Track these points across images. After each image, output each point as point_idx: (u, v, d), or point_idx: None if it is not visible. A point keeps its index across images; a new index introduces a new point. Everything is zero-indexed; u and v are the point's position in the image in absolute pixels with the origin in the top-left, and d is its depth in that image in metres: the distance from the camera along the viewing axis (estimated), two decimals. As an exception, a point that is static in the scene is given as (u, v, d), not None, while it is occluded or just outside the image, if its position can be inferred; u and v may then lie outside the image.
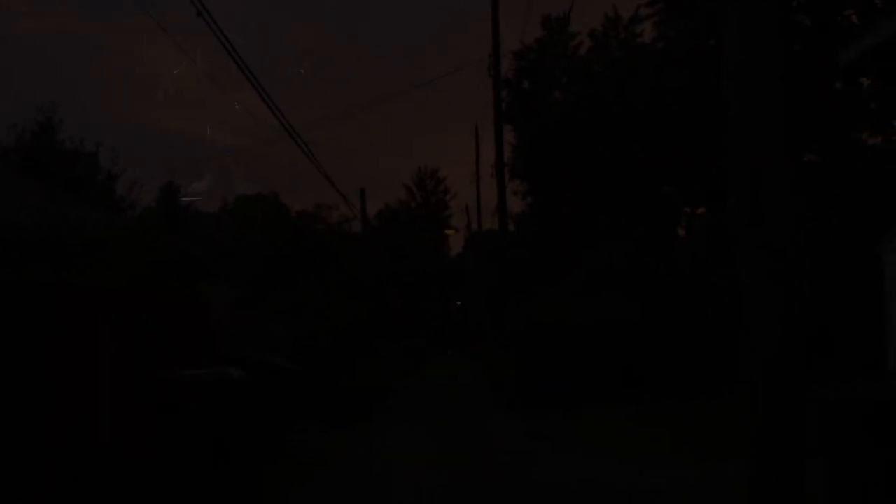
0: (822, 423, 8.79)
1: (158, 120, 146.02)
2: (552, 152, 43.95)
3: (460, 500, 12.89)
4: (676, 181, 41.54)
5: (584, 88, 44.18)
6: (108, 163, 33.46)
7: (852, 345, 24.74)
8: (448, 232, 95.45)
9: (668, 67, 32.99)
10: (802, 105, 28.67)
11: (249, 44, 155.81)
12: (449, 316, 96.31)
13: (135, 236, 15.37)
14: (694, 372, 25.53)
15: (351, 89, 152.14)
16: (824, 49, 27.47)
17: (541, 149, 45.13)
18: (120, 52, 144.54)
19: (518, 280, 38.99)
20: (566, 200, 44.55)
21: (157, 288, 14.79)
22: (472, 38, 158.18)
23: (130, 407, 13.16)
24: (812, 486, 8.00)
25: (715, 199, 38.77)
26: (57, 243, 13.61)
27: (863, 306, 24.69)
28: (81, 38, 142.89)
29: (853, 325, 25.27)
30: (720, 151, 36.62)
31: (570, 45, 53.47)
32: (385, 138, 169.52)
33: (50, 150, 31.66)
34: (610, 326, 26.43)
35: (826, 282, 25.84)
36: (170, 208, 43.27)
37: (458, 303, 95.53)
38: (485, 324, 58.28)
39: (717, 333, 26.11)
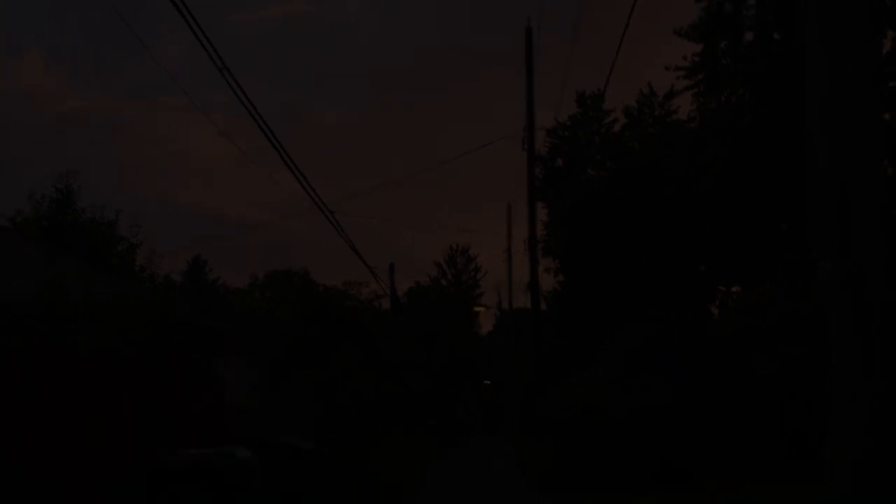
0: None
1: (190, 197, 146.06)
2: (585, 229, 42.90)
3: None
4: (711, 259, 40.39)
5: (618, 165, 43.13)
6: (129, 233, 32.52)
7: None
8: (478, 309, 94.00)
9: (704, 143, 31.80)
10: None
11: (276, 124, 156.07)
12: (479, 397, 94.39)
13: (137, 304, 14.02)
14: (728, 458, 24.18)
15: (380, 167, 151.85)
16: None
17: (573, 226, 44.07)
18: (149, 130, 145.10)
19: (550, 361, 37.57)
20: (599, 278, 43.31)
21: (157, 359, 13.43)
22: (504, 117, 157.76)
23: (110, 486, 11.81)
24: None
25: (752, 276, 37.56)
26: (47, 310, 12.40)
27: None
28: (113, 116, 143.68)
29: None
30: (758, 227, 35.78)
31: (604, 122, 52.60)
32: (414, 216, 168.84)
33: (68, 220, 30.71)
34: (644, 412, 25.05)
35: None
36: (196, 282, 42.09)
37: (488, 382, 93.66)
38: (516, 407, 56.66)
39: (754, 417, 24.85)
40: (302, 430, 24.06)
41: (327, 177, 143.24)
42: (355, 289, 56.61)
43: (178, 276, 47.27)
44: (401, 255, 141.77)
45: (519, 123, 34.61)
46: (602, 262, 42.36)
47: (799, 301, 30.13)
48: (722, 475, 22.92)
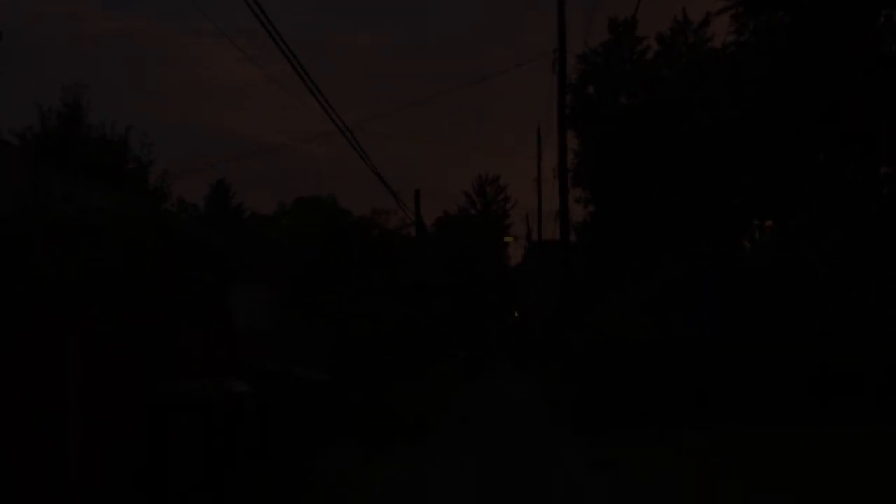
0: None
1: (219, 121, 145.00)
2: (617, 159, 41.56)
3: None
4: (745, 191, 39.10)
5: (650, 94, 41.58)
6: (142, 150, 30.99)
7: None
8: (507, 240, 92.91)
9: (741, 66, 30.23)
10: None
11: (306, 47, 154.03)
12: (507, 326, 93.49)
13: (138, 222, 12.83)
14: (762, 391, 23.22)
15: (410, 87, 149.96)
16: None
17: (605, 155, 42.73)
18: (179, 55, 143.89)
19: (579, 292, 36.42)
20: (631, 210, 42.05)
21: (156, 284, 12.30)
22: (535, 39, 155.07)
23: (103, 429, 10.77)
24: None
25: (787, 209, 36.27)
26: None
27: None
28: (147, 40, 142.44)
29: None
30: (793, 155, 34.34)
31: (636, 49, 50.76)
32: (444, 146, 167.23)
33: (76, 136, 29.37)
34: (676, 343, 23.94)
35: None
36: (220, 207, 40.97)
37: (517, 313, 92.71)
38: (544, 336, 55.60)
39: (785, 356, 23.91)
40: (321, 359, 22.98)
41: (359, 100, 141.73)
42: (382, 217, 55.65)
43: (199, 201, 46.16)
44: (430, 184, 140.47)
45: (550, 49, 32.98)
46: (633, 194, 41.10)
47: (833, 230, 28.92)
48: (754, 411, 21.98)
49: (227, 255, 21.43)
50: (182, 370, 12.91)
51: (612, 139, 41.74)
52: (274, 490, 13.29)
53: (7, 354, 9.28)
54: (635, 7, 50.98)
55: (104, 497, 10.73)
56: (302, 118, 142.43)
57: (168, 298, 13.05)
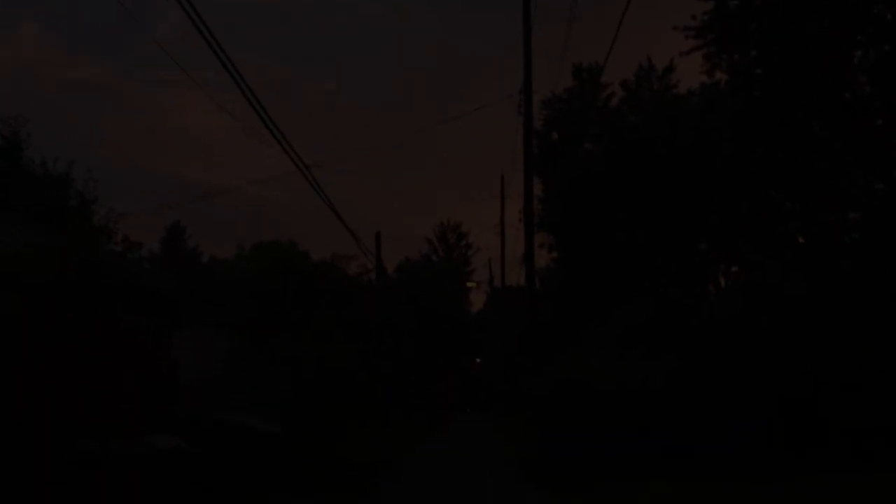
0: None
1: (185, 170, 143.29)
2: (580, 204, 40.65)
3: None
4: (712, 237, 38.27)
5: (616, 138, 40.71)
6: (85, 187, 29.11)
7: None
8: (470, 284, 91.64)
9: (713, 107, 29.36)
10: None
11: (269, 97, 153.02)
12: (468, 373, 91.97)
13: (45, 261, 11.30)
14: (728, 442, 22.05)
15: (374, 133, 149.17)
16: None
17: (568, 200, 41.83)
18: (145, 104, 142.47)
19: (544, 337, 35.17)
20: (595, 255, 41.06)
21: (85, 328, 10.86)
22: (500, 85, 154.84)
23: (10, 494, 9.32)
24: None
25: (752, 254, 35.45)
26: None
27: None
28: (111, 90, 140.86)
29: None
30: (764, 201, 33.47)
31: (601, 95, 49.99)
32: (406, 192, 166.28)
33: (13, 170, 27.59)
34: (642, 392, 22.70)
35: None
36: (174, 249, 39.36)
37: (478, 360, 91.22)
38: (507, 382, 54.31)
39: (753, 403, 22.82)
40: (274, 406, 21.53)
41: (319, 144, 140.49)
42: (343, 262, 54.29)
43: (154, 244, 44.32)
44: (392, 230, 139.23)
45: (514, 95, 31.75)
46: (598, 238, 40.18)
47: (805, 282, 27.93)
48: (722, 459, 20.76)
49: (175, 298, 19.95)
50: (113, 424, 11.49)
51: (575, 184, 40.84)
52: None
53: None
54: (606, 56, 49.65)
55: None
56: (268, 166, 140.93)
57: (94, 346, 11.66)
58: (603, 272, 40.33)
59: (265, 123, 19.46)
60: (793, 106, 25.37)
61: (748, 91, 26.10)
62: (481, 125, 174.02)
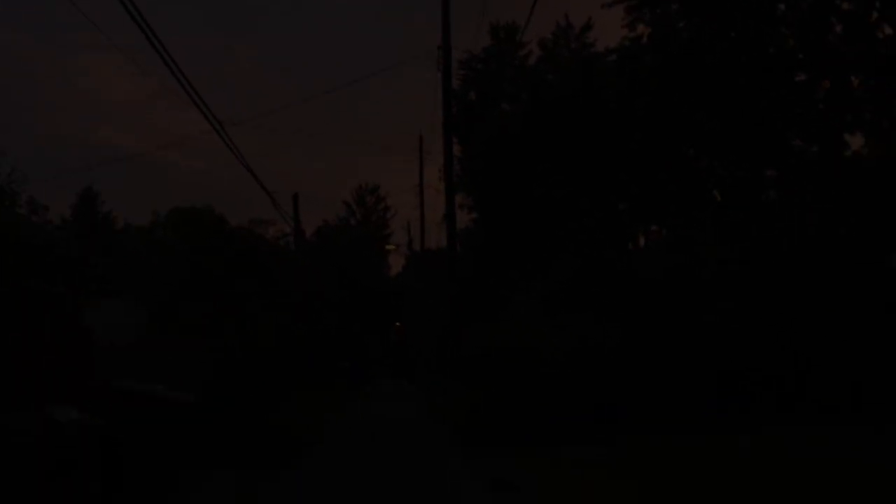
0: None
1: (92, 133, 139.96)
2: (499, 164, 40.21)
3: None
4: (631, 197, 38.10)
5: (534, 97, 40.26)
6: None
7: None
8: (389, 247, 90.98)
9: (636, 61, 28.91)
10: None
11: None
12: (388, 338, 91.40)
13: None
14: (661, 404, 21.80)
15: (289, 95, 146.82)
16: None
17: (487, 161, 41.37)
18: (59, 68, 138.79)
19: (466, 301, 34.70)
20: (514, 215, 40.70)
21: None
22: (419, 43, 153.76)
23: None
24: None
25: (673, 215, 35.39)
26: None
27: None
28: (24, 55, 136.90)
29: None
30: (683, 159, 33.33)
31: (518, 54, 49.51)
32: (321, 155, 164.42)
33: None
34: (579, 353, 22.26)
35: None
36: (87, 216, 37.99)
37: (398, 324, 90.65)
38: (429, 348, 53.85)
39: (685, 363, 22.64)
40: (193, 375, 20.70)
41: (238, 106, 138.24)
42: (261, 227, 53.19)
43: (66, 211, 42.69)
44: (309, 193, 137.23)
45: (433, 51, 30.82)
46: (517, 198, 39.81)
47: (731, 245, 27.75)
48: (654, 422, 20.51)
49: (86, 264, 19.01)
50: (12, 396, 10.70)
51: (494, 144, 40.39)
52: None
53: None
54: (528, 17, 48.80)
55: None
56: (185, 132, 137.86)
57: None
58: (523, 232, 40.01)
59: (178, 79, 18.64)
60: (716, 60, 25.08)
61: (670, 44, 25.72)
62: (401, 87, 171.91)
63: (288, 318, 34.66)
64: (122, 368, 18.00)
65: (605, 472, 15.68)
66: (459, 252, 40.58)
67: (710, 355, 22.69)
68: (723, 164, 34.66)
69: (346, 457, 19.63)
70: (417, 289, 68.19)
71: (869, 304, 22.32)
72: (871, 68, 23.77)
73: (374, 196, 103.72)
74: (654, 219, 39.18)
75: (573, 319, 23.09)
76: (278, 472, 16.54)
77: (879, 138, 25.11)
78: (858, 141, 27.05)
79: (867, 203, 24.21)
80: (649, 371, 22.18)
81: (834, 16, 23.64)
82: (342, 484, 15.63)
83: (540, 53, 47.25)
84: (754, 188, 31.21)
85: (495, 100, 46.53)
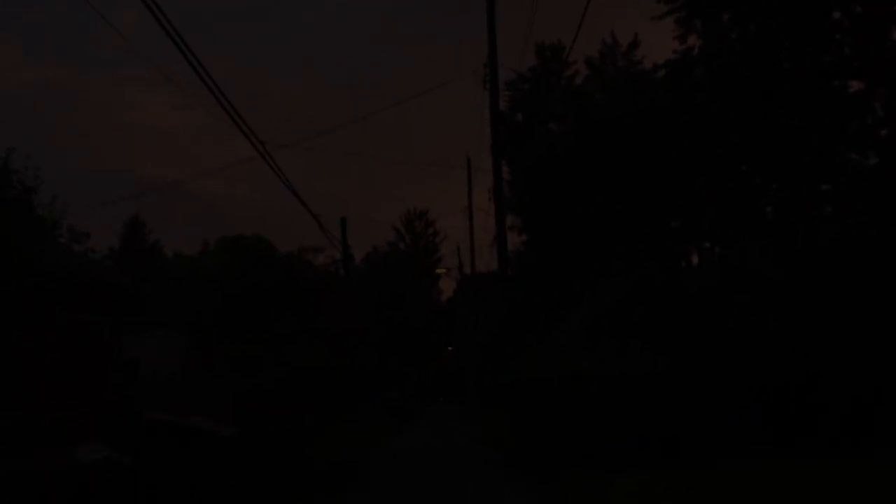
0: None
1: (147, 168, 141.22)
2: (548, 185, 39.61)
3: None
4: (684, 215, 37.32)
5: (581, 116, 39.65)
6: (25, 175, 27.44)
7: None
8: (439, 271, 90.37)
9: (685, 74, 28.08)
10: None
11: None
12: (439, 362, 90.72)
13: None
14: (715, 429, 20.90)
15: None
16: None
17: (535, 181, 40.80)
18: (113, 103, 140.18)
19: (516, 323, 34.00)
20: (563, 236, 40.02)
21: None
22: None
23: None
24: None
25: (725, 233, 34.58)
26: None
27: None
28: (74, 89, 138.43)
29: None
30: (735, 175, 32.46)
31: (564, 74, 48.94)
32: (371, 179, 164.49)
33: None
34: (630, 379, 21.46)
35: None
36: (133, 245, 37.77)
37: (450, 348, 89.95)
38: (479, 371, 53.12)
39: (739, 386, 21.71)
40: (231, 407, 20.22)
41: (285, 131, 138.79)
42: (310, 254, 52.92)
43: (113, 239, 42.48)
44: (358, 220, 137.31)
45: (478, 70, 29.96)
46: (567, 219, 39.16)
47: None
48: (709, 448, 19.61)
49: (126, 293, 18.57)
50: (48, 432, 10.23)
51: (542, 164, 39.83)
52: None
53: None
54: (574, 36, 47.84)
55: None
56: (231, 160, 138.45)
57: (28, 344, 10.40)
58: (572, 253, 39.36)
59: (220, 104, 18.13)
60: (769, 70, 24.24)
61: (723, 55, 24.87)
62: (446, 110, 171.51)
63: (333, 348, 34.05)
64: (165, 400, 17.59)
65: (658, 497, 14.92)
66: (510, 274, 39.94)
67: (763, 377, 21.76)
68: (776, 179, 33.89)
69: (392, 485, 18.97)
70: (467, 313, 67.48)
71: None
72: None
73: (422, 221, 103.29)
74: (705, 236, 38.37)
75: (620, 345, 22.28)
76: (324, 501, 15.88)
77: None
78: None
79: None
80: (698, 396, 21.27)
81: (892, 22, 22.73)
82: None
83: (587, 72, 46.58)
84: (808, 203, 30.34)
85: (542, 120, 46.02)
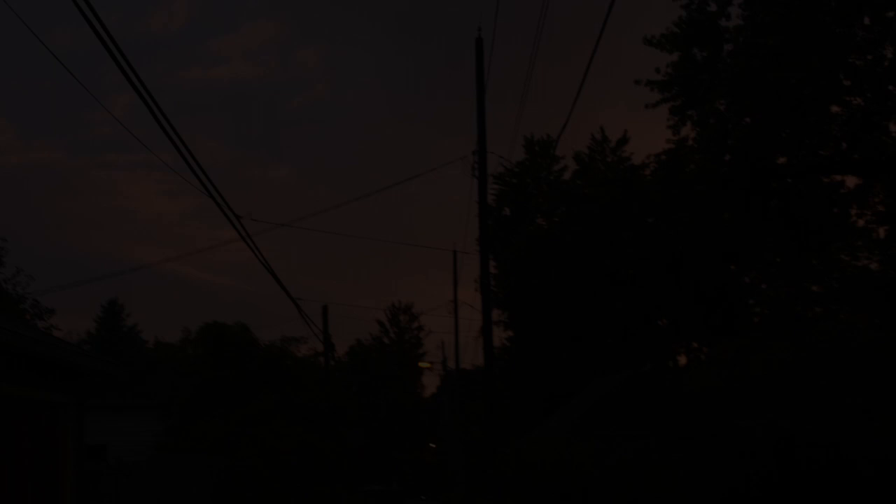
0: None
1: (127, 249, 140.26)
2: (533, 279, 39.04)
3: None
4: (673, 312, 36.71)
5: (570, 210, 39.27)
6: None
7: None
8: (423, 365, 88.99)
9: (679, 171, 27.68)
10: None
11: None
12: (422, 458, 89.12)
13: None
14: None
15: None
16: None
17: (521, 276, 40.26)
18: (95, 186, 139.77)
19: (501, 418, 33.15)
20: (548, 331, 39.35)
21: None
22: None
23: None
24: None
25: (716, 331, 33.90)
26: None
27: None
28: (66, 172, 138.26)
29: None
30: (727, 275, 31.93)
31: (553, 168, 48.66)
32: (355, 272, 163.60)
33: None
34: (627, 468, 20.62)
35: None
36: (110, 328, 36.84)
37: (432, 444, 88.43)
38: (463, 468, 51.95)
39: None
40: (205, 494, 19.26)
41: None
42: (293, 346, 51.89)
43: (90, 323, 41.49)
44: (342, 312, 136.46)
45: (467, 156, 29.33)
46: (552, 314, 38.50)
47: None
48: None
49: (100, 375, 17.65)
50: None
51: (529, 257, 39.34)
52: None
53: None
54: (560, 132, 47.83)
55: None
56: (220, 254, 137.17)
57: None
58: (557, 349, 38.70)
59: (207, 191, 17.31)
60: (769, 159, 23.76)
61: (721, 143, 24.35)
62: (432, 204, 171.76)
63: (315, 435, 32.98)
64: (134, 487, 16.67)
65: None
66: (495, 370, 39.09)
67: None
68: (766, 279, 33.38)
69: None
70: (452, 408, 66.38)
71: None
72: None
73: (407, 315, 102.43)
74: (694, 336, 37.74)
75: (609, 435, 21.50)
76: None
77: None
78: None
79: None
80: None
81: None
82: None
83: (575, 168, 46.31)
84: (798, 304, 29.87)
85: (530, 214, 45.62)
